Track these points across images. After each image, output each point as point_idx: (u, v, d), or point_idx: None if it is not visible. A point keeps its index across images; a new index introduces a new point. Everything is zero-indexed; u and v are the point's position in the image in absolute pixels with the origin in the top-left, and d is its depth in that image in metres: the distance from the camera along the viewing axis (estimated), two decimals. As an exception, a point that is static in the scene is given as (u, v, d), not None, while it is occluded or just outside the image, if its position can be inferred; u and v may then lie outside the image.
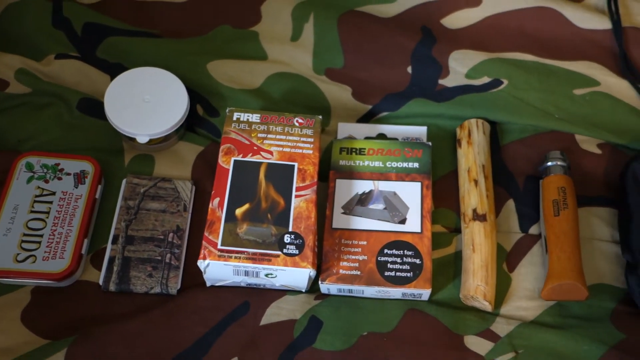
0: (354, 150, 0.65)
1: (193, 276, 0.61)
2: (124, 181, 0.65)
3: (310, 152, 0.61)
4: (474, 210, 0.60)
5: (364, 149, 0.65)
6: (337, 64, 0.73)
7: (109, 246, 0.61)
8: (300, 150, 0.61)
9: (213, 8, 0.78)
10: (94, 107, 0.70)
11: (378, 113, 0.70)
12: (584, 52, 0.71)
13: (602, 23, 0.72)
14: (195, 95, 0.71)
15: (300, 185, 0.59)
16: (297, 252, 0.56)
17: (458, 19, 0.75)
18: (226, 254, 0.55)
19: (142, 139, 0.65)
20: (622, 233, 0.58)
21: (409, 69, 0.71)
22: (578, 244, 0.57)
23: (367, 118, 0.71)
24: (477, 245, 0.58)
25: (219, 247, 0.56)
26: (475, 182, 0.62)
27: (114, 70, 0.72)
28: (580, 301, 0.56)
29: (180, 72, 0.70)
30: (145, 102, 0.66)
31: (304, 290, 0.60)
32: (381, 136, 0.68)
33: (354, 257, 0.59)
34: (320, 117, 0.64)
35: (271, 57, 0.74)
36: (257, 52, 0.74)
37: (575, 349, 0.53)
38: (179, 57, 0.73)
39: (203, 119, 0.70)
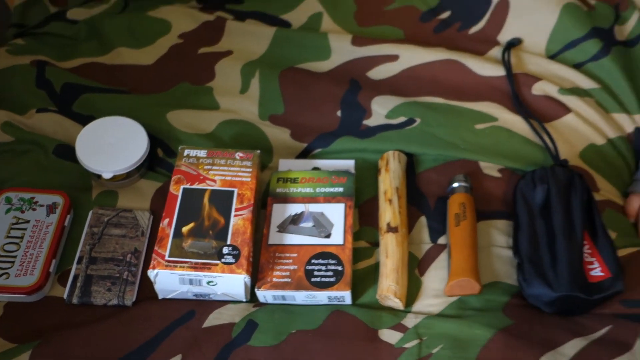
0: (289, 179, 0.73)
1: (148, 291, 0.67)
2: (90, 212, 0.72)
3: (249, 179, 0.69)
4: (388, 224, 0.67)
5: (297, 178, 0.73)
6: (278, 110, 0.82)
7: (74, 266, 0.67)
8: (239, 179, 0.69)
9: (175, 69, 0.87)
10: (68, 152, 0.78)
11: (313, 150, 0.78)
12: (484, 94, 0.80)
13: (498, 71, 0.82)
14: (156, 140, 0.79)
15: (239, 206, 0.67)
16: (233, 261, 0.62)
17: (381, 72, 0.85)
18: (172, 264, 0.62)
19: (107, 175, 0.73)
20: (514, 239, 0.65)
21: (339, 113, 0.80)
22: (474, 248, 0.64)
23: (304, 154, 0.79)
24: (390, 253, 0.65)
25: (167, 258, 0.62)
26: (390, 201, 0.69)
27: (87, 121, 0.80)
28: (478, 295, 0.62)
29: (143, 121, 0.79)
30: (111, 145, 0.74)
31: (244, 300, 0.66)
32: (316, 169, 0.76)
33: (285, 267, 0.65)
34: (259, 151, 0.72)
35: (223, 107, 0.83)
36: (211, 104, 0.83)
37: (469, 333, 0.59)
38: (142, 109, 0.82)
39: (162, 160, 0.78)
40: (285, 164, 0.78)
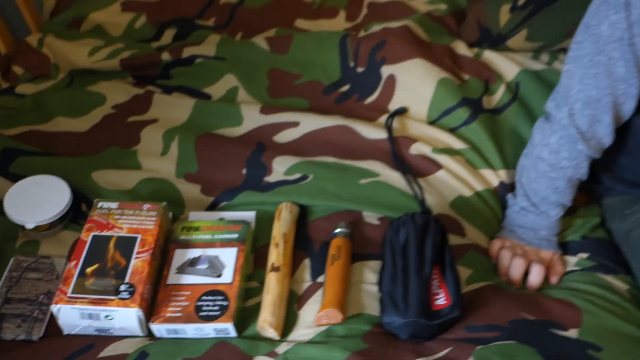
0: (192, 228, 0.80)
1: (58, 328, 0.72)
2: (12, 259, 0.78)
3: (152, 227, 0.77)
4: (272, 264, 0.75)
5: (200, 226, 0.80)
6: (192, 169, 0.91)
7: (-10, 306, 0.73)
8: (144, 226, 0.77)
9: (106, 135, 0.97)
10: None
11: (219, 203, 0.87)
12: (370, 154, 0.90)
13: (383, 134, 0.92)
14: (81, 196, 0.87)
15: (140, 250, 0.74)
16: (128, 296, 0.69)
17: (285, 136, 0.95)
18: (73, 300, 0.68)
19: (29, 226, 0.80)
20: (379, 276, 0.73)
21: (244, 171, 0.89)
22: (344, 283, 0.72)
23: (212, 207, 0.87)
24: (270, 289, 0.72)
25: (69, 294, 0.68)
26: (277, 245, 0.77)
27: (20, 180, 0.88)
28: (343, 324, 0.69)
29: (71, 180, 0.87)
30: (36, 199, 0.82)
31: (140, 334, 0.71)
32: (221, 219, 0.84)
33: (179, 304, 0.72)
34: (165, 203, 0.80)
35: (144, 167, 0.92)
36: (135, 164, 0.92)
37: (328, 356, 0.65)
38: (71, 169, 0.90)
39: (85, 214, 0.85)
40: (195, 216, 0.85)
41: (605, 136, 0.74)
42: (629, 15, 0.64)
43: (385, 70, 1.01)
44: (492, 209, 0.88)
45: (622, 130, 0.77)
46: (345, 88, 1.02)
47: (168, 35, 1.18)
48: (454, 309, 0.66)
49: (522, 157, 0.84)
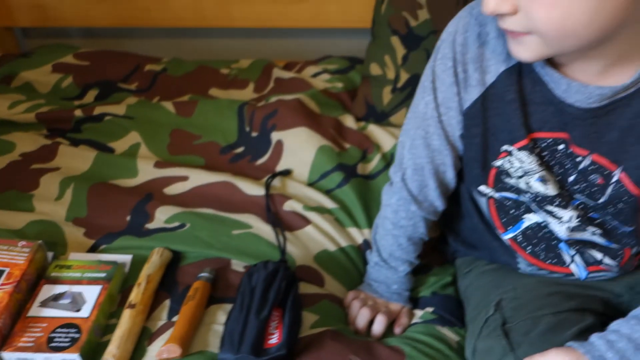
0: (64, 266, 0.84)
1: None
2: None
3: (22, 262, 0.80)
4: (130, 302, 0.78)
5: (72, 265, 0.84)
6: (82, 214, 0.95)
7: None
8: (14, 261, 0.80)
9: (8, 179, 1.02)
10: None
11: (99, 246, 0.91)
12: (247, 208, 0.97)
13: (260, 191, 0.99)
14: (-32, 233, 0.91)
15: (5, 282, 0.77)
16: (-19, 324, 0.71)
17: (174, 189, 1.01)
18: None
19: None
20: (227, 317, 0.77)
21: (128, 218, 0.94)
22: (191, 322, 0.75)
23: (93, 249, 0.91)
24: (122, 324, 0.75)
25: None
26: (139, 284, 0.81)
27: None
28: (182, 358, 0.72)
29: (-39, 218, 0.90)
30: None
31: (-8, 363, 0.73)
32: (97, 261, 0.88)
33: (33, 334, 0.74)
34: (41, 241, 0.84)
35: (37, 210, 0.96)
36: (28, 207, 0.97)
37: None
38: (-36, 208, 0.94)
39: (-31, 249, 0.88)
40: (74, 256, 0.89)
41: (436, 200, 0.81)
42: (435, 98, 0.74)
43: (275, 136, 1.09)
44: (354, 263, 0.94)
45: (456, 196, 0.85)
46: (240, 150, 1.10)
47: (90, 95, 1.27)
48: (282, 348, 0.70)
49: (377, 217, 0.91)
